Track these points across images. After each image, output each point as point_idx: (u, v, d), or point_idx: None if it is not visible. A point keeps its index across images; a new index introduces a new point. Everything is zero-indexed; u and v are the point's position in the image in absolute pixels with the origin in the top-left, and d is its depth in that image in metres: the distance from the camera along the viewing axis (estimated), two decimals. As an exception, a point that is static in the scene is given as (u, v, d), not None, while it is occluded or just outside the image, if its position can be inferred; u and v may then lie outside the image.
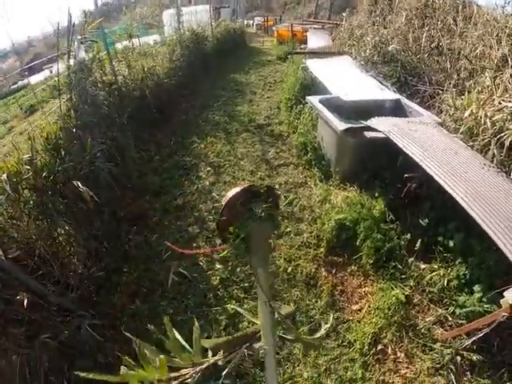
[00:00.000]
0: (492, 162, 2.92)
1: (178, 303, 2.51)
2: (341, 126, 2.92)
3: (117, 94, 3.93)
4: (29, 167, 2.14)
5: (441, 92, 3.99)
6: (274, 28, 13.25)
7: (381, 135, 2.81)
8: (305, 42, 9.82)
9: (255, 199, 0.92)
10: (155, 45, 6.14)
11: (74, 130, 2.73)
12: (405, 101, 4.03)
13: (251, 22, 19.67)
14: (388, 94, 4.16)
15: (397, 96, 4.10)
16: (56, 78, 2.85)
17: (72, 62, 2.95)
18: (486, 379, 2.12)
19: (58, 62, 2.85)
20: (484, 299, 2.20)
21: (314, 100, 3.54)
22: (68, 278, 2.30)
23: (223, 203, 0.87)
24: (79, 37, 3.09)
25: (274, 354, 0.87)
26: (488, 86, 3.27)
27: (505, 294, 1.82)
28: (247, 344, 0.91)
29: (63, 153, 2.52)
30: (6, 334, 1.77)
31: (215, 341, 0.92)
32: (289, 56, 7.13)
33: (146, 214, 3.25)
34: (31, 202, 2.17)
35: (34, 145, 2.27)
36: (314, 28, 10.17)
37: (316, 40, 8.39)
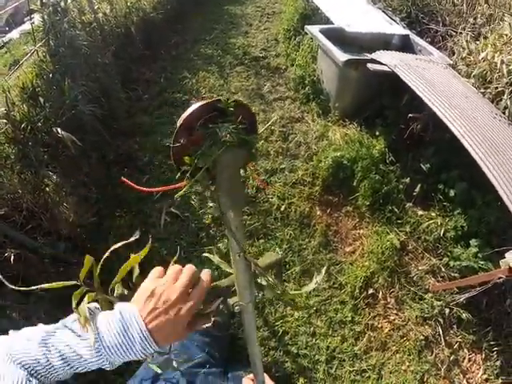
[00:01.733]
0: (504, 113, 2.75)
1: (170, 243, 2.48)
2: (342, 56, 2.69)
3: (99, 33, 3.60)
4: (5, 120, 2.06)
5: (454, 34, 3.68)
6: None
7: (386, 68, 2.59)
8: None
9: (222, 119, 0.64)
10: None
11: (51, 75, 2.53)
12: (414, 38, 3.71)
13: None
14: (396, 29, 3.82)
15: (406, 32, 3.77)
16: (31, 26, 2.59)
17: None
18: (472, 335, 2.20)
19: (28, 5, 2.57)
20: (479, 255, 2.19)
21: (313, 29, 3.23)
22: (59, 228, 2.25)
23: (178, 124, 0.61)
24: None
25: (253, 310, 0.76)
26: (507, 35, 3.00)
27: (506, 254, 1.75)
28: (221, 298, 0.75)
29: (42, 100, 2.36)
30: (3, 293, 1.77)
31: None
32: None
33: (136, 156, 3.11)
34: (12, 156, 2.10)
35: (10, 96, 2.14)
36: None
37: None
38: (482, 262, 2.14)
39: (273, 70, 3.91)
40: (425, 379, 2.11)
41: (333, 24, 3.58)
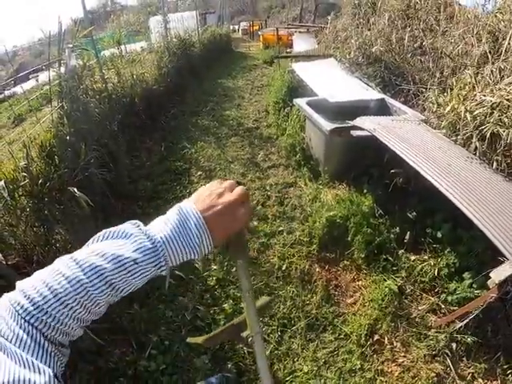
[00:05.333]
0: (475, 154, 3.04)
1: (175, 305, 2.54)
2: (328, 126, 3.01)
3: (107, 101, 3.96)
4: (25, 174, 2.16)
5: (424, 90, 4.13)
6: (259, 32, 13.38)
7: (366, 133, 2.90)
8: (290, 45, 9.99)
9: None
10: (143, 51, 6.19)
11: (68, 138, 2.76)
12: (389, 100, 4.16)
13: (237, 26, 19.86)
14: (373, 94, 4.28)
15: (381, 95, 4.23)
16: (47, 87, 2.88)
17: (63, 69, 2.98)
18: (483, 363, 2.19)
19: (49, 70, 2.87)
20: (474, 285, 2.30)
21: (301, 102, 3.63)
22: None
23: None
24: (70, 45, 3.12)
25: (262, 340, 0.93)
26: (469, 83, 3.40)
27: (491, 274, 1.90)
28: (236, 334, 0.95)
29: (57, 160, 2.55)
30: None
31: (206, 336, 0.97)
32: (275, 60, 7.24)
33: (139, 219, 3.28)
34: (28, 209, 2.19)
35: (30, 152, 2.29)
36: (300, 32, 10.34)
37: (301, 43, 8.56)
38: (477, 291, 2.24)
39: (265, 139, 4.28)
40: None
41: (317, 95, 4.01)
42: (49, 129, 2.78)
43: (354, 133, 2.89)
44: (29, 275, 0.47)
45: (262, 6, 30.36)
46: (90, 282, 0.45)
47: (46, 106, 2.99)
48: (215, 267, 2.80)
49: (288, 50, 8.15)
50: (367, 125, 3.08)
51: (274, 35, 11.03)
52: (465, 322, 2.19)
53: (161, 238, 0.52)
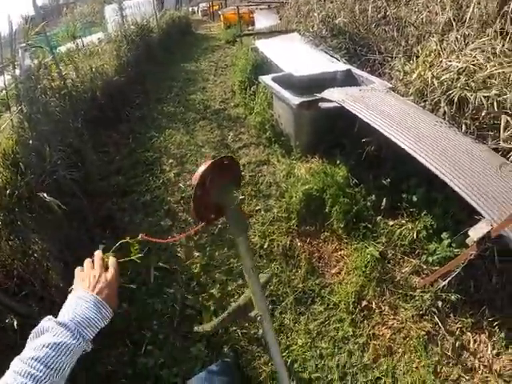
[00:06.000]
0: (444, 118, 3.11)
1: (164, 298, 2.51)
2: (295, 100, 2.98)
3: (67, 98, 3.77)
4: None
5: (390, 59, 4.15)
6: (219, 12, 12.99)
7: (335, 105, 2.90)
8: (252, 23, 9.74)
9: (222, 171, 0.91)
10: (100, 43, 5.90)
11: (30, 142, 2.62)
12: (355, 71, 4.16)
13: (196, 8, 19.16)
14: (338, 66, 4.26)
15: (347, 67, 4.22)
16: (3, 92, 2.72)
17: (18, 71, 2.80)
18: (469, 318, 2.30)
19: (4, 74, 2.70)
20: (453, 244, 2.38)
21: (266, 79, 3.57)
22: (51, 293, 2.23)
23: (194, 182, 0.86)
24: (22, 44, 2.91)
25: (269, 317, 0.94)
26: (435, 50, 3.44)
27: (469, 232, 1.95)
28: (244, 315, 0.96)
29: (23, 167, 2.42)
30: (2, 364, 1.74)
31: (213, 322, 0.98)
32: (238, 39, 7.07)
33: (115, 216, 3.18)
34: None
35: None
36: (261, 8, 10.11)
37: (263, 20, 8.37)
38: (456, 250, 2.32)
39: (234, 119, 4.21)
40: (438, 370, 2.16)
41: (282, 71, 3.95)
42: (10, 135, 2.64)
43: (322, 105, 2.88)
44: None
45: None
46: (35, 369, 0.61)
47: (6, 112, 2.81)
48: (198, 254, 2.77)
49: (250, 28, 7.96)
50: (336, 96, 3.07)
51: (235, 14, 10.71)
52: (447, 280, 2.28)
53: (69, 319, 0.68)
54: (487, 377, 2.19)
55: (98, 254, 0.86)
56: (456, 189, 2.12)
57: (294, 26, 6.01)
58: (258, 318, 0.96)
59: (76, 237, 2.75)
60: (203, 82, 5.45)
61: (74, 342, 0.66)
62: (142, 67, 6.04)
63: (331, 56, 4.69)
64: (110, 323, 0.79)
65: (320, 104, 2.92)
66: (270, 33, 5.92)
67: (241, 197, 0.95)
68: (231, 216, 0.92)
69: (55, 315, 0.73)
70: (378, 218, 2.70)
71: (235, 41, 6.82)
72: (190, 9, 18.79)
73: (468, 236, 2.00)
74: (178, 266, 2.73)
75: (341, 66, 4.28)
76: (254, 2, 12.33)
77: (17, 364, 0.62)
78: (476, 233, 1.92)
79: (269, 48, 4.89)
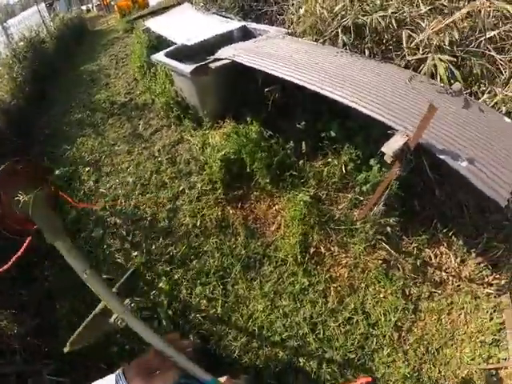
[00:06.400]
0: (345, 48, 3.09)
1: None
2: (188, 68, 2.82)
3: None
4: None
5: (287, 7, 4.05)
6: (112, 3, 12.11)
7: (226, 62, 2.77)
8: (147, 4, 9.20)
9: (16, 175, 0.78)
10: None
11: None
12: (251, 25, 4.02)
13: (90, 5, 17.79)
14: (233, 25, 4.10)
15: (241, 23, 4.06)
16: None
17: None
18: (423, 235, 2.38)
19: None
20: (383, 169, 2.38)
21: (159, 56, 3.34)
22: (10, 342, 2.14)
23: None
24: None
25: (131, 314, 0.79)
26: None
27: (382, 149, 1.89)
28: (104, 323, 0.80)
29: None
30: None
31: (69, 340, 0.81)
32: (129, 25, 6.64)
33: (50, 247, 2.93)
34: None
35: None
36: (151, -12, 9.54)
37: (155, -1, 7.89)
38: (387, 173, 2.28)
39: (141, 107, 3.99)
40: (407, 293, 2.24)
41: (176, 44, 3.72)
42: None
43: (213, 65, 2.73)
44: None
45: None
46: None
47: None
48: (135, 253, 2.63)
49: (145, 10, 7.48)
50: (226, 53, 2.93)
51: (129, 0, 10.05)
52: (381, 205, 2.26)
53: None
54: (459, 285, 2.30)
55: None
56: (365, 111, 2.07)
57: (185, -4, 5.68)
58: (119, 322, 0.79)
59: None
60: (106, 79, 5.09)
61: None
62: (41, 82, 5.56)
63: (225, 17, 4.51)
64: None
65: (211, 65, 2.77)
66: (162, 9, 5.57)
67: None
68: (38, 222, 0.78)
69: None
70: (301, 162, 2.67)
71: (133, 28, 6.37)
72: (84, 7, 17.45)
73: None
74: (116, 273, 2.57)
75: (235, 24, 4.11)
76: (145, -17, 11.58)
77: None
78: (390, 147, 1.87)
79: (160, 25, 4.59)
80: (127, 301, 0.79)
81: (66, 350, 0.79)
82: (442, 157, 1.82)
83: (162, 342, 0.77)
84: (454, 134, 2.02)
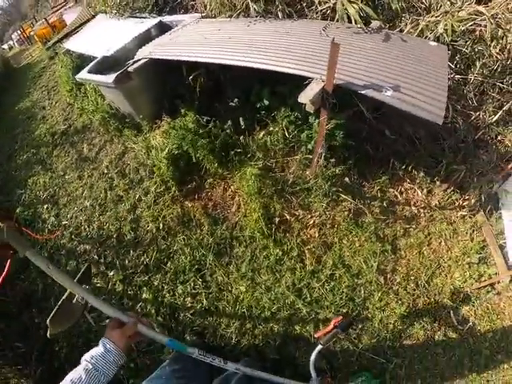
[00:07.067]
0: (258, 16, 3.08)
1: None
2: (110, 78, 2.77)
3: None
4: None
5: None
6: (32, 33, 11.61)
7: (144, 61, 2.75)
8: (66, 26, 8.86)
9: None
10: None
11: None
12: (166, 19, 3.96)
13: (11, 42, 17.03)
14: (149, 23, 4.02)
15: (156, 19, 3.99)
16: None
17: None
18: (384, 176, 2.43)
19: None
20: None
21: (82, 75, 3.26)
22: None
23: None
24: None
25: (88, 293, 1.12)
26: None
27: (298, 99, 1.90)
28: (72, 308, 1.12)
29: None
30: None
31: (49, 325, 1.09)
32: (52, 51, 6.41)
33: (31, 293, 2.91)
34: None
35: None
36: (69, 7, 9.20)
37: (73, 16, 7.60)
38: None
39: (81, 130, 3.92)
40: (381, 235, 2.29)
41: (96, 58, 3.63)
42: None
43: (131, 68, 2.70)
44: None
45: (29, 4, 25.72)
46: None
47: None
48: (112, 273, 2.63)
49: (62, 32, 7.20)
50: (143, 53, 2.90)
51: (47, 27, 9.67)
52: (322, 156, 2.27)
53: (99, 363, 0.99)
54: (431, 215, 2.37)
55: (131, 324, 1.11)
56: (279, 69, 2.08)
57: (98, 7, 5.50)
58: (80, 299, 1.09)
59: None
60: (42, 112, 4.94)
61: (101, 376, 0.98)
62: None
63: (140, 17, 4.41)
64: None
65: (130, 69, 2.73)
66: (76, 28, 5.38)
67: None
68: (11, 242, 1.08)
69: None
70: (242, 138, 2.69)
71: (56, 53, 6.16)
72: (6, 45, 16.76)
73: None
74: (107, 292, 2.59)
75: (151, 21, 4.03)
76: (57, 5, 11.12)
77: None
78: (306, 96, 1.88)
79: (78, 43, 4.46)
80: (84, 285, 1.13)
81: (48, 335, 1.07)
82: (364, 92, 1.85)
83: (116, 310, 1.13)
84: (374, 68, 2.05)
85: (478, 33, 2.53)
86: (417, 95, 1.84)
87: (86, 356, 1.01)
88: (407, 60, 2.17)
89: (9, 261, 1.13)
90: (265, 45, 2.42)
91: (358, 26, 2.63)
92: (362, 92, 1.85)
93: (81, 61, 4.43)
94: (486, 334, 2.00)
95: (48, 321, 1.04)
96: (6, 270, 1.13)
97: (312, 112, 2.02)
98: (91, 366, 0.97)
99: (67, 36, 5.72)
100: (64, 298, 1.07)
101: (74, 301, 1.06)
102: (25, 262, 3.15)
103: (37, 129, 4.57)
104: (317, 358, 1.39)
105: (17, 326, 2.71)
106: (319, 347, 1.39)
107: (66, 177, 3.45)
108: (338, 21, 2.75)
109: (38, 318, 2.72)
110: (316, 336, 1.57)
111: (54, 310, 1.05)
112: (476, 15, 2.48)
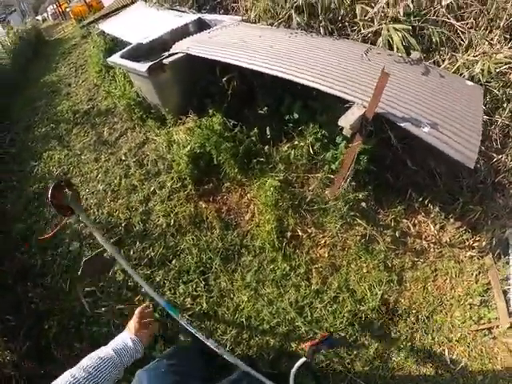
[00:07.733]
0: (299, 28, 3.07)
1: (102, 319, 2.37)
2: (143, 67, 2.76)
3: None
4: None
5: None
6: (67, 9, 11.72)
7: (181, 55, 2.73)
8: (103, 7, 8.93)
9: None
10: None
11: None
12: (205, 17, 3.97)
13: (46, 14, 17.23)
14: (188, 18, 4.03)
15: (196, 16, 4.00)
16: None
17: None
18: (399, 206, 2.39)
19: None
20: (349, 145, 2.31)
21: (114, 58, 3.26)
22: (5, 369, 2.18)
23: (49, 198, 1.36)
24: None
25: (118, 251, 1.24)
26: None
27: (339, 122, 1.89)
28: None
29: None
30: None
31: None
32: (85, 30, 6.47)
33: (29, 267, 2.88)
34: None
35: None
36: (106, -11, 9.25)
37: (110, 0, 7.66)
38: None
39: (104, 113, 3.91)
40: (389, 265, 2.26)
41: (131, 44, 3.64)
42: None
43: (167, 60, 2.69)
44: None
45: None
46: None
47: None
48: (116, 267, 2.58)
49: (99, 13, 7.26)
50: (180, 47, 2.89)
51: (83, 5, 9.76)
52: (347, 180, 2.27)
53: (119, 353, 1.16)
54: (441, 251, 2.33)
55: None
56: (320, 87, 2.05)
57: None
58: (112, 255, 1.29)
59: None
60: (67, 88, 4.95)
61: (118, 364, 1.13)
62: (2, 100, 5.41)
63: (179, 11, 4.43)
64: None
65: (165, 61, 2.72)
66: (114, 10, 5.42)
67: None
68: (72, 206, 1.42)
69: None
70: (267, 148, 2.66)
71: (90, 33, 6.20)
72: (40, 17, 16.89)
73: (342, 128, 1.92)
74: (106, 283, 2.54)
75: (190, 17, 4.05)
76: (97, -15, 11.22)
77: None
78: (347, 120, 1.87)
79: (114, 26, 4.49)
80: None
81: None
82: (402, 124, 1.83)
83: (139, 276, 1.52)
84: (413, 101, 2.02)
85: (510, 76, 2.51)
86: (452, 135, 1.82)
87: (115, 347, 1.16)
88: (444, 97, 2.15)
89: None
90: (306, 59, 2.40)
91: (399, 54, 2.61)
92: (401, 124, 1.82)
93: (114, 44, 4.45)
94: (476, 376, 1.97)
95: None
96: (61, 224, 1.49)
97: (348, 136, 1.99)
98: (118, 360, 1.12)
99: (104, 17, 5.77)
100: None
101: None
102: (27, 235, 3.22)
103: (59, 104, 4.58)
104: (298, 371, 1.37)
105: (10, 298, 2.67)
106: (302, 360, 1.36)
107: (83, 157, 3.43)
108: (379, 46, 2.73)
109: (32, 292, 2.69)
110: (302, 346, 1.62)
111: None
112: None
